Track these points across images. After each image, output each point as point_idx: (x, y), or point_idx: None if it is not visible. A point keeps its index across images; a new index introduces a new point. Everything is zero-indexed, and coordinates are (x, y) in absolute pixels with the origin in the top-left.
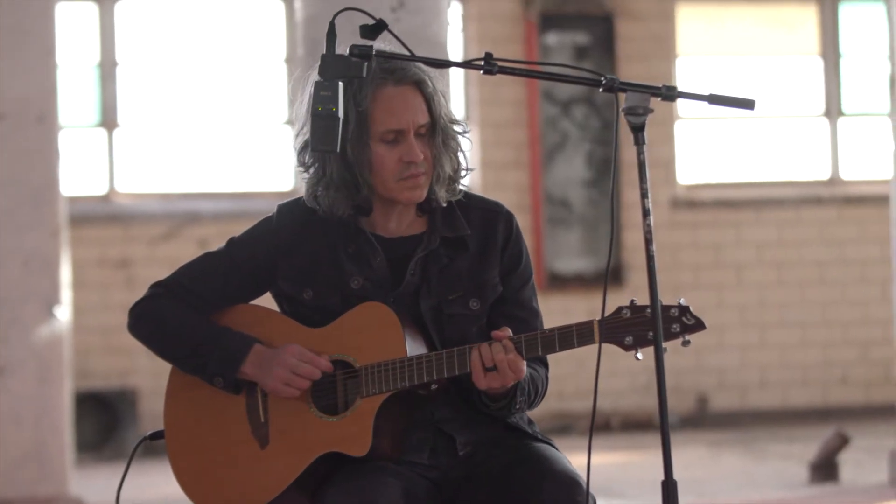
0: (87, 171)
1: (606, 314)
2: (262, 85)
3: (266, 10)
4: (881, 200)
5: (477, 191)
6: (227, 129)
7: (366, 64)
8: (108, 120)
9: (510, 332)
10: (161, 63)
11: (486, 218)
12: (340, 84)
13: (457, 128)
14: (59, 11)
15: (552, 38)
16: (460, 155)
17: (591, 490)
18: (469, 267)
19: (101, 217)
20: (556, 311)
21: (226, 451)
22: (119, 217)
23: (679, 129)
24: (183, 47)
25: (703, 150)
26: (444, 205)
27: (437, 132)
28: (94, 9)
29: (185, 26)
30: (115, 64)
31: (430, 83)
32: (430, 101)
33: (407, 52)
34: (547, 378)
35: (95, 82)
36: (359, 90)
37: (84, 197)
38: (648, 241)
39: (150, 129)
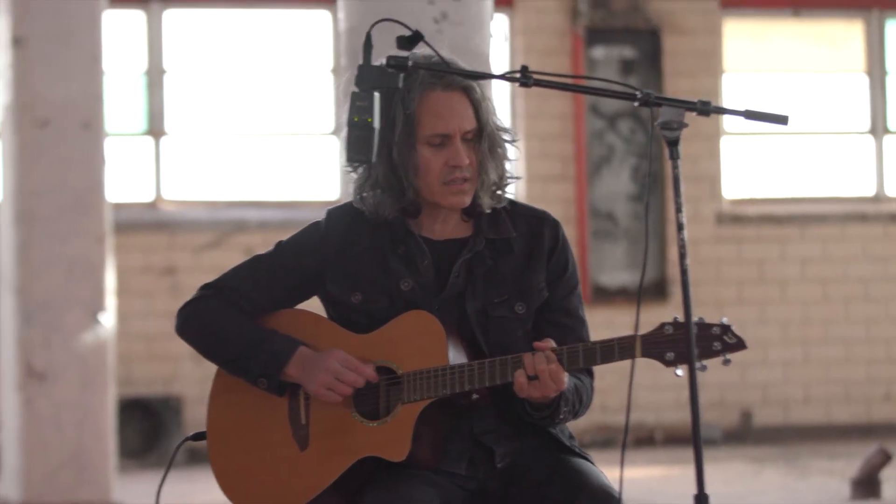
0: (134, 178)
1: (650, 330)
2: (309, 94)
3: (313, 20)
4: None
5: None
6: (273, 138)
7: (402, 75)
8: (156, 127)
9: (553, 343)
10: (208, 71)
11: (532, 224)
12: (376, 94)
13: (504, 136)
14: (106, 18)
15: (599, 52)
16: (506, 163)
17: (632, 503)
18: (514, 270)
19: (147, 224)
20: (600, 324)
21: (266, 452)
22: (165, 224)
23: (725, 144)
24: (230, 55)
25: (748, 166)
26: (488, 211)
27: (484, 138)
28: (142, 16)
29: (233, 34)
30: (162, 71)
31: (477, 89)
32: (478, 108)
33: (444, 63)
34: (592, 388)
35: (143, 90)
36: (406, 93)
37: (130, 204)
38: (682, 256)
39: (197, 137)
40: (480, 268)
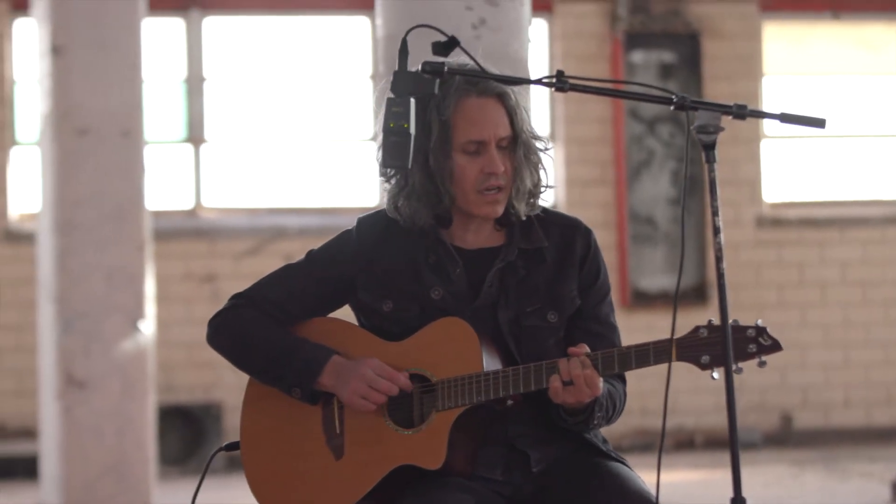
0: (174, 185)
1: (684, 334)
2: (348, 101)
3: (352, 26)
4: None
5: (562, 208)
6: (312, 145)
7: (437, 81)
8: (195, 135)
9: (587, 349)
10: (248, 78)
11: (564, 233)
12: (412, 100)
13: (539, 143)
14: (146, 26)
15: (638, 57)
16: (541, 170)
17: None
18: (546, 279)
19: (187, 232)
20: (640, 328)
21: (300, 461)
22: (205, 232)
23: (765, 147)
24: (269, 63)
25: (788, 169)
26: (524, 219)
27: (519, 145)
28: (182, 24)
29: (272, 42)
30: (202, 79)
31: (512, 96)
32: (513, 115)
33: (479, 69)
34: (625, 394)
35: (182, 97)
36: (442, 100)
37: (170, 211)
38: (719, 259)
39: (237, 145)
40: (513, 277)
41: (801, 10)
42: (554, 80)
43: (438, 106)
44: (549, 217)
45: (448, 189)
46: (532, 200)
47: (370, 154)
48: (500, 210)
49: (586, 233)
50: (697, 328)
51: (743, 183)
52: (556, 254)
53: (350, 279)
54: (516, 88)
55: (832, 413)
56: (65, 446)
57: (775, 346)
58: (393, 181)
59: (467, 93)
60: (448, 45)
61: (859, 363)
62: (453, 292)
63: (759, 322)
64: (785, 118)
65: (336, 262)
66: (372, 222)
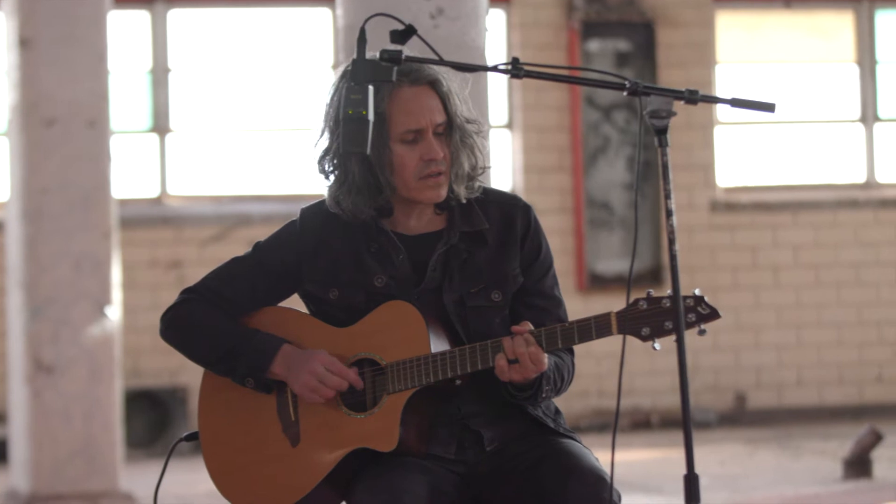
0: (140, 174)
1: (624, 307)
2: (310, 90)
3: (313, 17)
4: None
5: (520, 194)
6: (275, 134)
7: (395, 68)
8: (160, 125)
9: (530, 326)
10: (212, 69)
11: (504, 211)
12: (370, 87)
13: (472, 126)
14: (112, 18)
15: (594, 45)
16: (477, 152)
17: (629, 486)
18: (489, 260)
19: (152, 219)
20: (597, 310)
21: (258, 449)
22: (170, 219)
23: (718, 133)
24: (233, 53)
25: (741, 154)
26: (464, 202)
27: (455, 130)
28: (147, 16)
29: (236, 33)
30: (167, 70)
31: (444, 83)
32: (446, 101)
33: (436, 57)
34: (573, 364)
35: (148, 88)
36: (376, 93)
37: (136, 200)
38: (672, 241)
39: (201, 134)
40: (456, 260)
41: None
42: (509, 67)
43: (374, 99)
44: (489, 196)
45: (389, 180)
46: (471, 183)
47: (313, 144)
48: (444, 193)
49: (525, 209)
50: (637, 300)
51: (697, 168)
52: (497, 233)
53: (296, 269)
54: (448, 73)
55: (785, 392)
56: (33, 430)
57: (713, 315)
58: (332, 177)
59: (400, 83)
60: (405, 33)
61: (812, 343)
62: (397, 278)
63: (697, 291)
64: (736, 103)
65: (281, 253)
66: (315, 212)
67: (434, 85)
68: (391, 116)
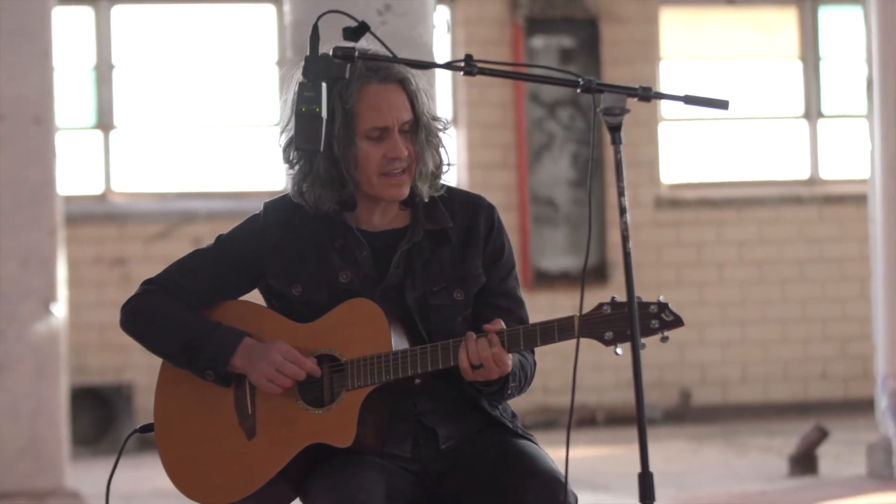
0: (84, 171)
1: (588, 310)
2: (255, 87)
3: (257, 14)
4: (860, 199)
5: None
6: (220, 130)
7: (348, 65)
8: (105, 121)
9: (503, 324)
10: (156, 66)
11: (468, 210)
12: (324, 85)
13: (438, 124)
14: (56, 15)
15: (538, 42)
16: (442, 151)
17: (575, 483)
18: (452, 258)
19: (97, 216)
20: (542, 307)
21: (213, 442)
22: (115, 216)
23: (662, 130)
24: (177, 50)
25: (685, 151)
26: (427, 200)
27: (420, 129)
28: (91, 13)
29: (180, 30)
30: (111, 67)
31: (413, 81)
32: (414, 99)
33: (390, 54)
34: (534, 363)
35: (92, 85)
36: (345, 88)
37: (81, 196)
38: (625, 239)
39: (146, 131)
40: (419, 258)
41: None
42: (463, 65)
43: (341, 95)
44: (453, 195)
45: (352, 175)
46: (435, 181)
47: (276, 139)
48: (406, 191)
49: (489, 209)
50: (601, 305)
51: (641, 164)
52: (461, 232)
53: (258, 263)
54: (420, 73)
55: (730, 389)
56: None
57: (677, 322)
58: (297, 167)
59: (368, 80)
60: (358, 30)
61: (756, 340)
62: (360, 275)
63: (661, 298)
64: (689, 100)
65: (244, 246)
66: (278, 207)
67: (403, 83)
68: (358, 113)
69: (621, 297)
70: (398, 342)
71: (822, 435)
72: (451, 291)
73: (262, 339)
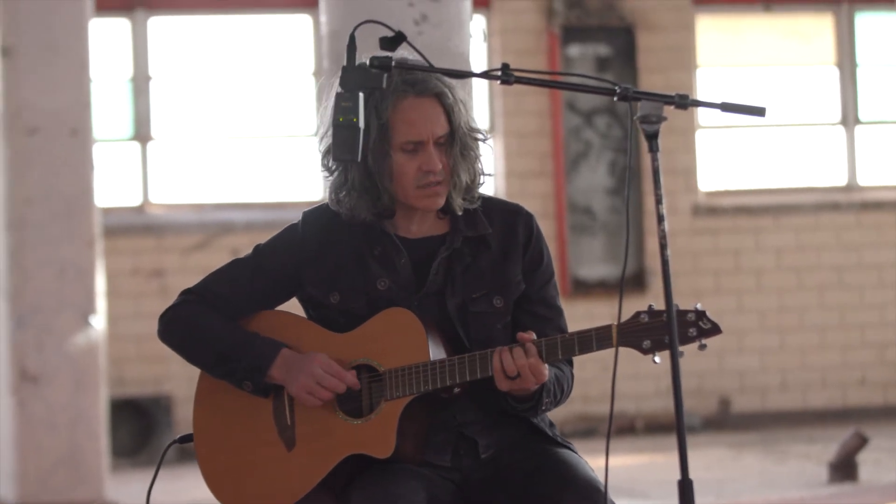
0: (122, 183)
1: (626, 319)
2: (291, 97)
3: (294, 24)
4: None
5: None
6: (257, 141)
7: (385, 75)
8: (142, 133)
9: (534, 336)
10: (193, 76)
11: (506, 218)
12: (361, 94)
13: (477, 136)
14: (93, 27)
15: (574, 50)
16: (478, 164)
17: (614, 491)
18: (491, 265)
19: (135, 228)
20: (580, 316)
21: (253, 453)
22: (153, 228)
23: (700, 137)
24: (214, 61)
25: (723, 158)
26: (460, 213)
27: (456, 142)
28: (128, 24)
29: (216, 40)
30: (148, 78)
31: (450, 94)
32: (450, 112)
33: (426, 63)
34: (572, 376)
35: (129, 96)
36: (380, 101)
37: (118, 208)
38: (663, 246)
39: (183, 142)
40: (459, 265)
41: (734, 2)
42: (500, 73)
43: (377, 107)
44: (492, 204)
45: (387, 187)
46: (470, 194)
47: (313, 149)
48: (441, 202)
49: (528, 217)
50: (638, 313)
51: (678, 172)
52: (500, 240)
53: (297, 272)
54: (454, 82)
55: (769, 396)
56: (19, 440)
57: (715, 330)
58: (334, 175)
59: (404, 94)
60: (395, 40)
61: (795, 347)
62: (399, 282)
63: (699, 306)
64: (725, 107)
65: (282, 256)
66: (317, 216)
67: (439, 97)
68: (393, 125)
69: (659, 304)
70: (436, 351)
71: (861, 441)
72: (491, 298)
73: (299, 349)
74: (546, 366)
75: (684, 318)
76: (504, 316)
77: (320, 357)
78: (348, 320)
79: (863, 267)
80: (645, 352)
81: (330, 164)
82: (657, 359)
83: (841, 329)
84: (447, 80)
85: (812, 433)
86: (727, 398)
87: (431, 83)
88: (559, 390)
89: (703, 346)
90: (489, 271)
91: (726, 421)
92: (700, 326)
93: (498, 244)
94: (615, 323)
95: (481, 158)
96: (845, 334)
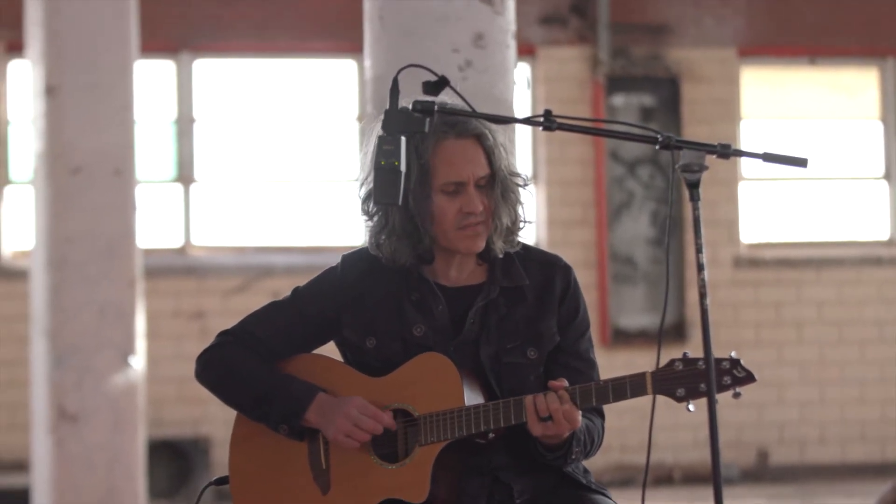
0: (164, 224)
1: (660, 367)
2: (334, 142)
3: (338, 68)
4: None
5: (544, 248)
6: (299, 185)
7: (427, 119)
8: (185, 175)
9: (566, 383)
10: (236, 119)
11: (544, 270)
12: (403, 138)
13: (517, 180)
14: (138, 68)
15: (619, 100)
16: (519, 207)
17: None
18: (527, 317)
19: (176, 269)
20: (620, 366)
21: (288, 496)
22: (194, 269)
23: (743, 189)
24: (258, 104)
25: (765, 211)
26: (501, 255)
27: (497, 184)
28: (172, 66)
29: (261, 84)
30: (192, 120)
31: (490, 136)
32: (491, 154)
33: (469, 108)
34: (603, 428)
35: (173, 138)
36: (421, 143)
37: (160, 249)
38: (703, 296)
39: (225, 184)
40: (494, 315)
41: (779, 55)
42: (542, 119)
43: (417, 148)
44: (530, 254)
45: (428, 229)
46: (511, 237)
47: (355, 194)
48: (482, 244)
49: (566, 270)
50: (673, 361)
51: (721, 223)
52: (537, 291)
53: (335, 316)
54: (499, 128)
55: (808, 449)
56: (57, 479)
57: (749, 378)
58: (375, 219)
59: (445, 135)
60: (438, 84)
61: (835, 401)
62: (435, 328)
63: (733, 354)
64: (768, 157)
65: (321, 300)
66: (356, 259)
67: (480, 139)
68: (434, 168)
69: (697, 354)
70: (471, 397)
71: None
72: (525, 350)
73: (335, 393)
74: (579, 413)
75: (719, 366)
76: (537, 367)
77: (357, 400)
78: (384, 365)
79: None
80: (679, 400)
81: (370, 209)
82: (692, 407)
83: (881, 383)
84: (488, 123)
85: (850, 487)
86: (766, 450)
87: (472, 125)
88: (589, 441)
89: (737, 395)
90: (524, 322)
91: (764, 473)
92: (734, 374)
93: (534, 295)
94: (650, 371)
95: (522, 203)
96: (885, 389)
